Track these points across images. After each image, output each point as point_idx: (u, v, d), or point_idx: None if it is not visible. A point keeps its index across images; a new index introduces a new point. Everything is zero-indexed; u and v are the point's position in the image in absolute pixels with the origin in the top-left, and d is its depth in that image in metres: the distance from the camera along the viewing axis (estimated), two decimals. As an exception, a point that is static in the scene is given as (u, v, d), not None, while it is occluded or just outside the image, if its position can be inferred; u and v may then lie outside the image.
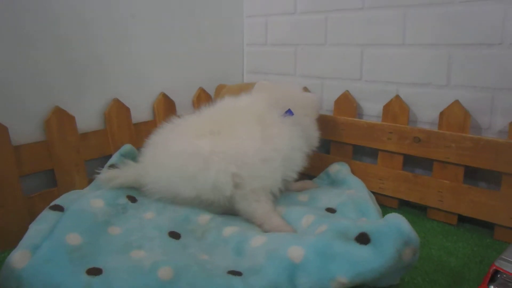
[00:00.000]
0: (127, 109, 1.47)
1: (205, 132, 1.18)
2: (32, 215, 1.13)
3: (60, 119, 1.27)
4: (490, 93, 1.28)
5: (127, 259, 0.94)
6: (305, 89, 1.69)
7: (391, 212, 0.92)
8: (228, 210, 1.19)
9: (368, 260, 0.84)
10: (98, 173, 1.25)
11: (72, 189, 1.25)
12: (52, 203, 1.07)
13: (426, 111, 1.41)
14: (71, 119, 1.30)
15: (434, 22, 1.36)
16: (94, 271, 0.88)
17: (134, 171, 1.24)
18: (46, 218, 1.01)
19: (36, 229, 0.96)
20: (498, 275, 0.82)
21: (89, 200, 1.11)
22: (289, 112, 1.25)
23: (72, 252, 0.92)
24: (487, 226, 1.28)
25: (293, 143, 1.21)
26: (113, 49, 1.42)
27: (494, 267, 0.84)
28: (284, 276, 0.86)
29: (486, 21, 1.26)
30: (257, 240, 0.99)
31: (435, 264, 1.09)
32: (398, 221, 0.88)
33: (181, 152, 1.14)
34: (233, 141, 1.14)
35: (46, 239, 0.94)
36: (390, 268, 0.84)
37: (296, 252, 0.89)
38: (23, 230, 0.98)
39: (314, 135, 1.34)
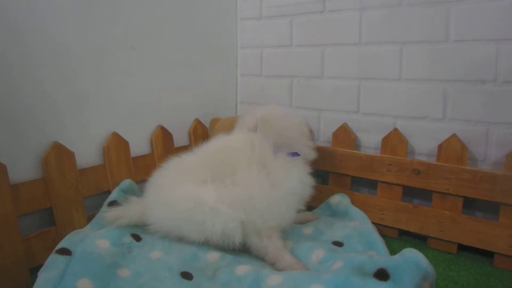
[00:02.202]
0: (126, 143, 1.45)
1: (206, 178, 1.18)
2: (29, 256, 1.11)
3: (59, 155, 1.23)
4: (485, 127, 1.35)
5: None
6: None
7: (392, 242, 0.95)
8: (238, 247, 1.17)
9: (390, 296, 0.87)
10: (98, 211, 1.24)
11: (71, 227, 1.22)
12: (58, 246, 1.03)
13: (424, 143, 1.46)
14: (70, 155, 1.27)
15: (430, 58, 1.42)
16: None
17: (138, 209, 1.23)
18: (54, 264, 0.98)
19: (45, 278, 0.93)
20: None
21: (95, 241, 1.08)
22: (295, 154, 1.28)
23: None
24: (486, 254, 1.32)
25: (301, 180, 1.25)
26: (111, 82, 1.41)
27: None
28: (305, 316, 0.87)
29: (479, 58, 1.34)
30: (274, 279, 0.98)
31: (444, 295, 1.13)
32: (415, 256, 0.92)
33: (186, 200, 1.13)
34: (239, 188, 1.15)
35: (57, 286, 0.91)
36: (410, 303, 0.87)
37: (317, 290, 0.91)
38: (21, 271, 0.95)
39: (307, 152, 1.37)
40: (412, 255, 0.92)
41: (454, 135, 1.35)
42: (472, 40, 1.35)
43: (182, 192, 1.15)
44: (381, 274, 0.91)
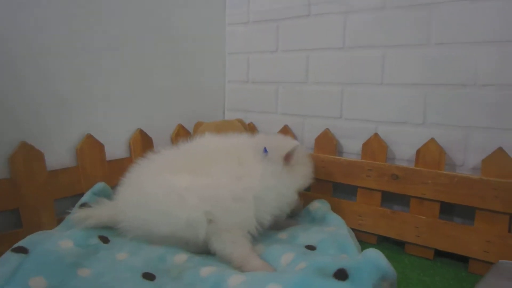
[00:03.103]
0: (101, 145, 1.43)
1: (181, 169, 1.17)
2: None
3: (27, 155, 1.20)
4: (464, 132, 1.34)
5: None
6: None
7: (370, 248, 0.94)
8: (206, 250, 1.16)
9: (347, 295, 0.86)
10: (69, 213, 1.21)
11: (39, 229, 1.17)
12: (16, 245, 1.00)
13: (404, 149, 1.46)
14: (39, 155, 1.24)
15: (412, 62, 1.42)
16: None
17: (108, 210, 1.21)
18: (8, 261, 0.95)
19: None
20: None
21: (57, 241, 1.05)
22: (264, 150, 1.23)
23: (36, 297, 0.88)
24: (462, 260, 1.31)
25: (265, 183, 1.18)
26: (87, 83, 1.40)
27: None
28: (263, 315, 0.87)
29: (460, 62, 1.33)
30: (236, 279, 0.97)
31: (414, 299, 1.11)
32: (375, 256, 0.91)
33: (156, 188, 1.12)
34: (207, 179, 1.14)
35: (7, 283, 0.89)
36: (368, 303, 0.86)
37: (274, 290, 0.90)
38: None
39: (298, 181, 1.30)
40: (371, 255, 0.91)
41: (432, 140, 1.35)
42: (453, 43, 1.34)
43: (153, 181, 1.15)
44: (341, 274, 0.91)
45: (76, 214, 1.18)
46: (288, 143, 1.27)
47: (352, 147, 1.59)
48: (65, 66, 1.33)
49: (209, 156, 1.22)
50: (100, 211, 1.20)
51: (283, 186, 1.22)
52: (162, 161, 1.22)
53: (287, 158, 1.24)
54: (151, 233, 1.13)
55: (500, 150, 1.24)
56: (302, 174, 1.30)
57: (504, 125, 1.27)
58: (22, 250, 0.99)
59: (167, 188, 1.11)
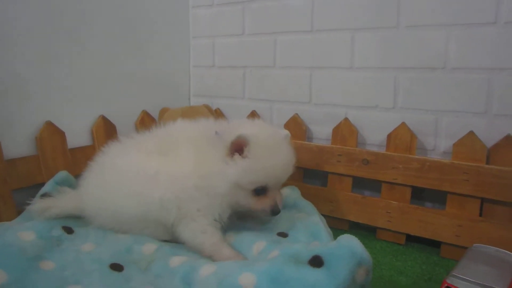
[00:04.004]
0: (62, 133, 1.37)
1: (154, 150, 1.13)
2: None
3: None
4: (434, 116, 1.33)
5: (62, 295, 0.86)
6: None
7: (342, 234, 0.91)
8: (175, 237, 1.12)
9: (322, 283, 0.83)
10: (29, 204, 1.14)
11: None
12: None
13: (374, 134, 1.44)
14: (-6, 144, 1.17)
15: (381, 45, 1.40)
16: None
17: (71, 198, 1.16)
18: None
19: None
20: (449, 293, 0.83)
21: (17, 233, 0.99)
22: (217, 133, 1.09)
23: (-4, 291, 0.83)
24: (434, 245, 1.30)
25: (200, 172, 1.07)
26: (46, 67, 1.34)
27: (446, 284, 0.84)
28: (236, 305, 0.83)
29: (429, 45, 1.32)
30: (206, 269, 0.93)
31: (386, 284, 1.10)
32: (350, 242, 0.88)
33: (128, 168, 1.09)
34: (174, 165, 1.09)
35: None
36: (345, 290, 0.83)
37: (247, 279, 0.86)
38: None
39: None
40: (347, 242, 0.88)
41: (403, 124, 1.33)
42: (423, 25, 1.32)
43: (125, 161, 1.11)
44: (316, 261, 0.87)
45: (37, 204, 1.11)
46: (248, 131, 1.03)
47: (322, 133, 1.56)
48: (22, 50, 1.26)
49: (176, 142, 1.16)
50: (62, 200, 1.14)
51: (213, 177, 1.05)
52: (133, 144, 1.18)
53: (232, 147, 1.02)
54: (120, 216, 1.09)
55: (471, 134, 1.23)
56: (244, 168, 1.01)
57: (474, 109, 1.27)
58: None
59: (139, 169, 1.08)
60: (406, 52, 1.36)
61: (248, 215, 1.21)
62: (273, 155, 1.04)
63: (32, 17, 1.29)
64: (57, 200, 1.15)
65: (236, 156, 1.02)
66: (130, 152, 1.14)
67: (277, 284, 0.84)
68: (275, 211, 1.07)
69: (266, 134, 1.06)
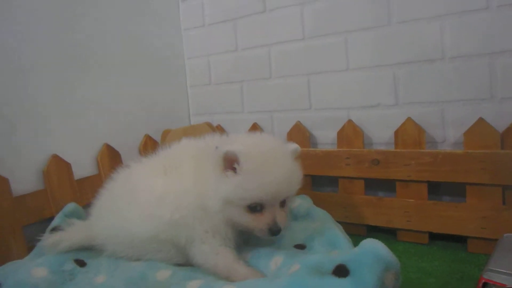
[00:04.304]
0: (68, 165, 1.35)
1: (160, 171, 1.10)
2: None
3: None
4: (439, 107, 1.29)
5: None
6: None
7: (361, 241, 0.86)
8: (190, 260, 1.07)
9: (350, 293, 0.77)
10: (39, 239, 1.12)
11: (9, 259, 1.10)
12: None
13: (380, 132, 1.40)
14: (3, 181, 1.16)
15: (375, 44, 1.37)
16: None
17: (82, 229, 1.14)
18: None
19: None
20: (487, 288, 0.78)
21: (30, 270, 0.97)
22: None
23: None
24: (459, 240, 1.25)
25: (197, 189, 1.03)
26: (46, 100, 1.32)
27: (484, 280, 0.79)
28: (260, 325, 0.77)
29: (424, 38, 1.29)
30: None
31: (416, 287, 1.04)
32: (375, 247, 0.83)
33: (137, 191, 1.07)
34: (180, 182, 1.06)
35: None
36: (374, 298, 0.78)
37: (271, 296, 0.81)
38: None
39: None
40: (371, 246, 0.83)
41: (409, 119, 1.29)
42: (415, 19, 1.30)
43: (134, 184, 1.09)
44: (340, 271, 0.82)
45: (47, 240, 1.09)
46: (240, 146, 0.97)
47: (326, 137, 1.51)
48: (13, 79, 1.24)
49: (180, 160, 1.12)
50: (72, 233, 1.12)
51: (208, 194, 1.01)
52: (140, 167, 1.15)
53: (225, 163, 0.97)
54: (132, 241, 1.05)
55: (481, 120, 1.19)
56: (235, 184, 0.95)
57: (480, 95, 1.23)
58: None
59: (147, 191, 1.06)
60: (402, 47, 1.33)
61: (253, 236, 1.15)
62: (266, 171, 0.94)
63: (39, 51, 1.29)
64: (67, 233, 1.12)
65: (230, 172, 0.96)
66: (138, 176, 1.12)
67: (302, 300, 0.79)
68: (273, 230, 0.97)
69: (261, 148, 0.98)
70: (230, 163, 0.96)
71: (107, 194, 1.15)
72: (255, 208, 0.97)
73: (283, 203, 1.00)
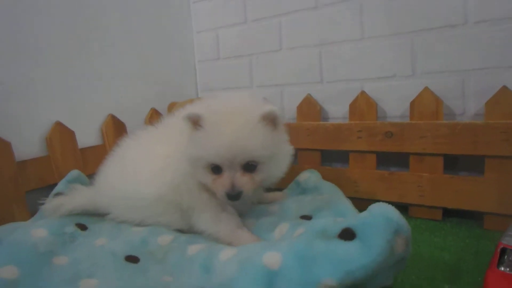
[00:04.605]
0: (72, 133, 1.32)
1: (165, 138, 1.09)
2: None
3: None
4: (460, 76, 1.22)
5: (74, 289, 0.79)
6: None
7: (376, 203, 0.80)
8: (192, 228, 1.06)
9: (357, 256, 0.72)
10: (42, 204, 1.12)
11: None
12: None
13: (395, 105, 1.33)
14: (6, 145, 1.13)
15: (392, 10, 1.30)
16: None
17: (85, 194, 1.14)
18: None
19: None
20: (506, 255, 0.71)
21: (30, 230, 0.96)
22: None
23: (7, 286, 0.78)
24: (475, 217, 1.18)
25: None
26: (51, 69, 1.29)
27: (502, 245, 0.73)
28: (260, 286, 0.72)
29: (446, 1, 1.21)
30: (226, 253, 0.85)
31: (428, 261, 0.98)
32: (384, 209, 0.77)
33: (141, 156, 1.08)
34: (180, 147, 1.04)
35: None
36: (383, 263, 0.72)
37: (272, 258, 0.76)
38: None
39: None
40: (380, 209, 0.78)
41: (426, 89, 1.22)
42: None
43: (138, 149, 1.11)
44: (346, 234, 0.77)
45: (49, 203, 1.10)
46: (212, 105, 0.97)
47: (337, 112, 1.45)
48: (31, 52, 1.24)
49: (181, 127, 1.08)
50: (74, 197, 1.13)
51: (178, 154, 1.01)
52: (145, 135, 1.16)
53: (191, 123, 0.95)
54: (136, 202, 1.06)
55: (504, 89, 1.11)
56: (196, 143, 0.94)
57: (504, 62, 1.16)
58: None
59: (151, 155, 1.07)
60: (421, 13, 1.26)
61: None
62: (220, 132, 0.90)
63: (44, 20, 1.27)
64: (69, 197, 1.13)
65: (195, 132, 0.94)
66: (144, 142, 1.13)
67: (305, 262, 0.74)
68: (229, 195, 0.91)
69: (223, 108, 0.94)
70: (195, 124, 0.94)
71: (114, 160, 1.15)
72: (216, 169, 0.93)
73: (250, 168, 0.93)
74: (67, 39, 1.34)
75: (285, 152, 1.03)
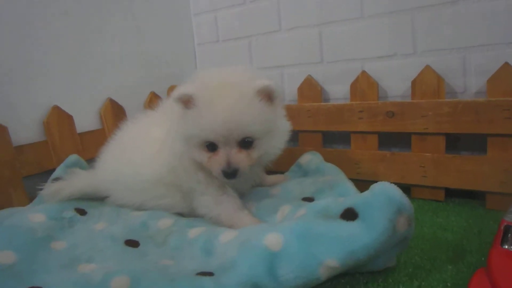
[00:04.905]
0: (70, 117, 1.31)
1: (163, 120, 1.08)
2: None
3: None
4: (461, 54, 1.20)
5: (73, 274, 0.79)
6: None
7: (378, 182, 0.79)
8: (193, 212, 1.05)
9: (359, 236, 0.72)
10: (41, 189, 1.11)
11: None
12: None
13: (396, 84, 1.31)
14: (2, 129, 1.12)
15: (392, -13, 1.27)
16: (32, 291, 0.72)
17: (84, 178, 1.13)
18: None
19: None
20: (510, 233, 0.70)
21: (27, 215, 0.96)
22: None
23: (4, 272, 0.78)
24: (478, 197, 1.18)
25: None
26: (48, 50, 1.27)
27: (506, 223, 0.72)
28: (261, 268, 0.71)
29: (446, -24, 1.18)
30: (227, 235, 0.85)
31: (431, 241, 0.97)
32: (386, 188, 0.77)
33: (141, 138, 1.09)
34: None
35: None
36: (385, 243, 0.72)
37: (273, 239, 0.76)
38: None
39: None
40: (382, 188, 0.77)
41: (427, 67, 1.20)
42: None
43: (138, 132, 1.12)
44: (348, 214, 0.77)
45: (48, 188, 1.09)
46: (204, 81, 0.93)
47: (338, 92, 1.43)
48: (26, 32, 1.21)
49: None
50: (74, 181, 1.12)
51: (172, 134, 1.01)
52: (146, 118, 1.16)
53: (182, 103, 0.93)
54: (136, 184, 1.06)
55: (506, 65, 1.10)
56: (189, 120, 0.91)
57: (506, 39, 1.14)
58: None
59: (150, 137, 1.07)
60: (420, -11, 1.23)
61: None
62: (214, 108, 0.87)
63: (42, 1, 1.26)
64: (68, 182, 1.12)
65: (187, 110, 0.92)
66: (144, 125, 1.13)
67: (307, 242, 0.73)
68: (226, 172, 0.89)
69: (217, 84, 0.90)
70: (186, 103, 0.91)
71: (115, 143, 1.15)
72: (211, 147, 0.91)
73: (246, 144, 0.91)
74: (64, 21, 1.32)
75: (282, 128, 1.00)
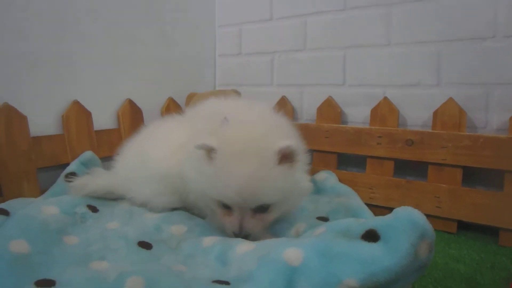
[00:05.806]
0: (88, 114, 1.32)
1: (185, 125, 1.08)
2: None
3: (9, 118, 1.09)
4: (485, 89, 1.20)
5: (86, 270, 0.79)
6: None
7: (401, 206, 0.79)
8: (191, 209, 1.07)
9: (381, 258, 0.71)
10: (70, 181, 1.10)
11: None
12: None
13: (417, 113, 1.32)
14: (22, 119, 1.13)
15: (422, 18, 1.29)
16: (45, 283, 0.72)
17: (106, 177, 1.13)
18: None
19: None
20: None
21: (41, 207, 0.95)
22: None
23: (17, 260, 0.76)
24: (490, 232, 1.17)
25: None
26: (72, 48, 1.28)
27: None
28: (280, 282, 0.71)
29: (477, 14, 1.20)
30: (244, 247, 0.83)
31: (444, 271, 0.96)
32: (410, 213, 0.76)
33: (161, 137, 1.08)
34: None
35: None
36: (406, 267, 0.71)
37: (293, 254, 0.75)
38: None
39: None
40: (405, 212, 0.76)
41: (451, 99, 1.21)
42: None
43: (160, 131, 1.11)
44: (370, 236, 0.76)
45: (76, 181, 1.08)
46: (226, 136, 0.88)
47: (357, 116, 1.44)
48: (40, 24, 1.21)
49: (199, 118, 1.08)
50: (98, 178, 1.12)
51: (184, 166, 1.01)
52: (173, 120, 1.16)
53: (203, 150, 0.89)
54: (150, 175, 1.05)
55: (530, 104, 1.10)
56: (205, 176, 0.90)
57: (532, 78, 1.14)
58: (3, 212, 0.91)
59: (171, 138, 1.06)
60: (451, 24, 1.25)
61: None
62: (229, 173, 0.84)
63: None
64: (93, 178, 1.12)
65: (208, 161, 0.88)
66: (166, 126, 1.13)
67: (328, 259, 0.72)
68: (236, 235, 0.89)
69: (235, 143, 0.86)
70: (208, 153, 0.88)
71: (136, 139, 1.16)
72: (226, 206, 0.89)
73: (262, 209, 0.88)
74: (95, 22, 1.34)
75: (302, 189, 0.96)
